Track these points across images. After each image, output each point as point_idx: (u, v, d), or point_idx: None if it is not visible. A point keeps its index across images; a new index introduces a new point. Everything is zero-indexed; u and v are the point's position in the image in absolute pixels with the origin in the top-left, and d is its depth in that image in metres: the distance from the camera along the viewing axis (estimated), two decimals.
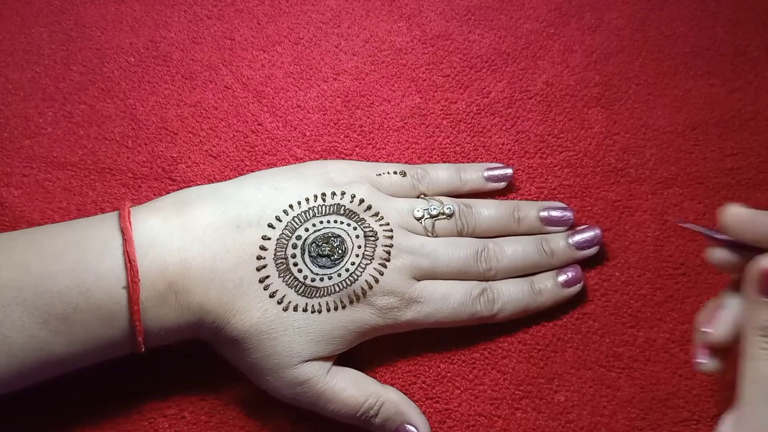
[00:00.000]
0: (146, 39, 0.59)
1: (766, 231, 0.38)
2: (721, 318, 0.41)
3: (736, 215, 0.39)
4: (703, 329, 0.41)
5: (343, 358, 0.47)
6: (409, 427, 0.47)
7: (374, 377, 0.49)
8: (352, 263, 0.47)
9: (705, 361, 0.41)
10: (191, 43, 0.59)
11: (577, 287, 0.51)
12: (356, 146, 0.56)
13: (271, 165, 0.55)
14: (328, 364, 0.46)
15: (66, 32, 0.59)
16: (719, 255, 0.41)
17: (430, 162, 0.56)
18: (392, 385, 0.49)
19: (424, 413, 0.48)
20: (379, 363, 0.50)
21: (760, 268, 0.37)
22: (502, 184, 0.54)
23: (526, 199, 0.55)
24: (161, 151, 0.55)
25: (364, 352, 0.49)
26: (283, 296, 0.45)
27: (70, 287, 0.41)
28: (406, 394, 0.49)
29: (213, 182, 0.51)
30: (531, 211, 0.53)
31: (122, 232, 0.43)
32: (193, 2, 0.60)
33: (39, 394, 0.47)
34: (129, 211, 0.45)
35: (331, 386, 0.45)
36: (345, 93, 0.58)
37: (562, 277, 0.51)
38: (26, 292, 0.41)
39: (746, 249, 0.39)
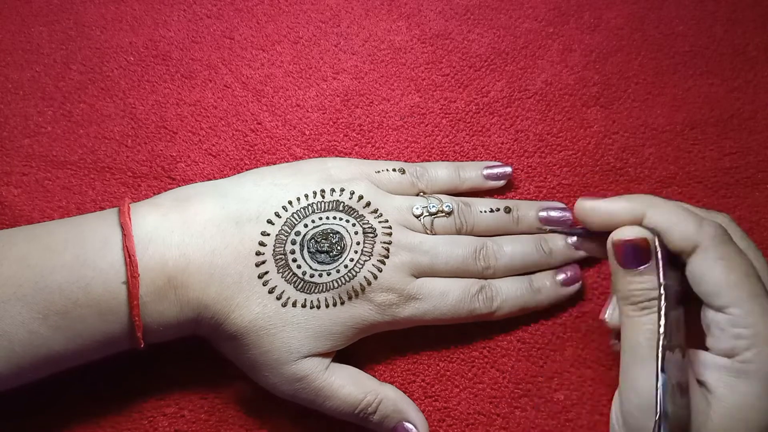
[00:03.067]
0: (146, 38, 0.59)
1: (606, 217, 0.42)
2: (611, 303, 0.45)
3: (580, 207, 0.43)
4: (600, 317, 0.46)
5: (342, 356, 0.47)
6: (407, 425, 0.47)
7: (373, 375, 0.49)
8: (351, 259, 0.47)
9: (616, 342, 0.44)
10: (191, 42, 0.59)
11: (576, 286, 0.51)
12: (355, 145, 0.56)
13: (270, 164, 0.54)
14: (326, 361, 0.46)
15: (65, 31, 0.59)
16: (584, 246, 0.47)
17: (429, 161, 0.56)
18: (391, 383, 0.49)
19: (423, 412, 0.48)
20: (378, 361, 0.50)
21: (612, 241, 0.41)
22: (501, 183, 0.54)
23: (525, 199, 0.55)
24: (161, 150, 0.55)
25: (364, 350, 0.49)
26: (282, 292, 0.45)
27: (70, 282, 0.41)
28: (405, 392, 0.49)
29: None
30: (530, 210, 0.53)
31: (122, 227, 0.43)
32: (193, 1, 0.60)
33: (39, 392, 0.48)
34: (129, 207, 0.45)
35: (330, 383, 0.45)
36: (344, 92, 0.58)
37: (560, 276, 0.51)
38: (26, 287, 0.41)
39: (601, 235, 0.43)
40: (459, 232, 0.50)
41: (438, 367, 0.51)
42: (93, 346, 0.43)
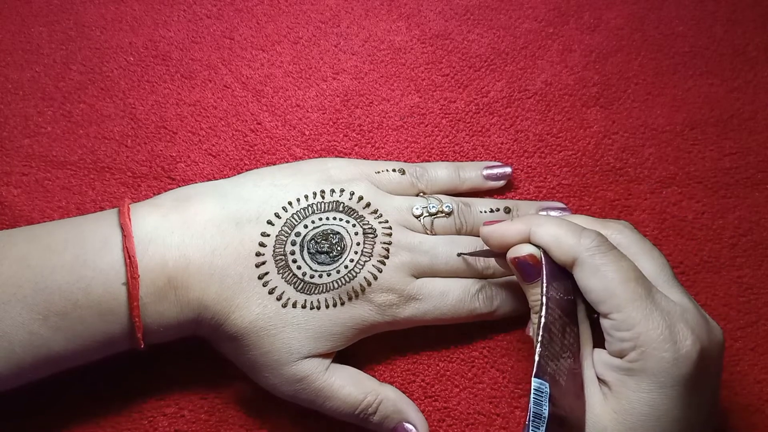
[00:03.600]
0: (145, 38, 0.59)
1: (501, 240, 0.45)
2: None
3: (481, 235, 0.47)
4: (525, 332, 0.50)
5: (343, 356, 0.47)
6: (407, 425, 0.47)
7: (373, 376, 0.49)
8: (351, 260, 0.47)
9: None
10: (190, 43, 0.59)
11: None
12: (355, 145, 0.56)
13: (270, 164, 0.55)
14: (327, 361, 0.46)
15: (65, 31, 0.59)
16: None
17: (429, 161, 0.56)
18: (391, 383, 0.49)
19: (423, 412, 0.48)
20: (378, 361, 0.50)
21: (509, 260, 0.45)
22: (501, 183, 0.54)
23: (525, 199, 0.55)
24: (160, 150, 0.55)
25: (364, 351, 0.49)
26: (282, 293, 0.45)
27: (70, 283, 0.41)
28: (405, 392, 0.49)
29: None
30: (530, 211, 0.53)
31: (122, 228, 0.43)
32: (193, 2, 0.60)
33: (39, 392, 0.48)
34: (129, 207, 0.45)
35: (330, 383, 0.45)
36: (344, 92, 0.58)
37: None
38: (26, 288, 0.41)
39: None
40: (459, 233, 0.50)
41: (438, 367, 0.51)
42: (93, 346, 0.43)
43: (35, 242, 0.43)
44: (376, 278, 0.46)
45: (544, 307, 0.42)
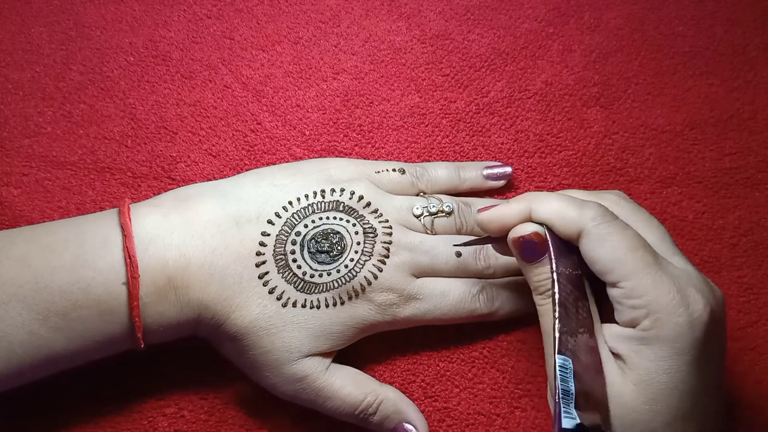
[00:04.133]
0: (146, 38, 0.59)
1: (500, 222, 0.45)
2: None
3: (478, 221, 0.46)
4: None
5: (343, 357, 0.47)
6: (407, 425, 0.47)
7: (373, 376, 0.49)
8: (351, 259, 0.47)
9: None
10: (191, 43, 0.59)
11: None
12: (355, 145, 0.56)
13: (270, 164, 0.54)
14: (327, 361, 0.46)
15: (65, 32, 0.59)
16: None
17: (429, 161, 0.56)
18: (391, 383, 0.49)
19: (423, 412, 0.48)
20: (379, 361, 0.50)
21: (511, 241, 0.44)
22: (501, 183, 0.54)
23: None
24: (161, 151, 0.55)
25: (364, 351, 0.49)
26: (282, 292, 0.45)
27: (70, 283, 0.41)
28: (405, 392, 0.49)
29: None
30: None
31: (122, 228, 0.43)
32: (193, 2, 0.60)
33: (39, 392, 0.47)
34: (129, 207, 0.45)
35: (330, 383, 0.45)
36: (344, 92, 0.58)
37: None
38: (26, 288, 0.41)
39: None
40: (459, 232, 0.50)
41: (438, 367, 0.51)
42: (93, 346, 0.43)
43: (35, 242, 0.43)
44: (376, 277, 0.46)
45: (556, 283, 0.41)
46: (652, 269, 0.40)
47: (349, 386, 0.46)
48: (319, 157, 0.55)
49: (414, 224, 0.49)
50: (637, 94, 0.59)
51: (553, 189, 0.55)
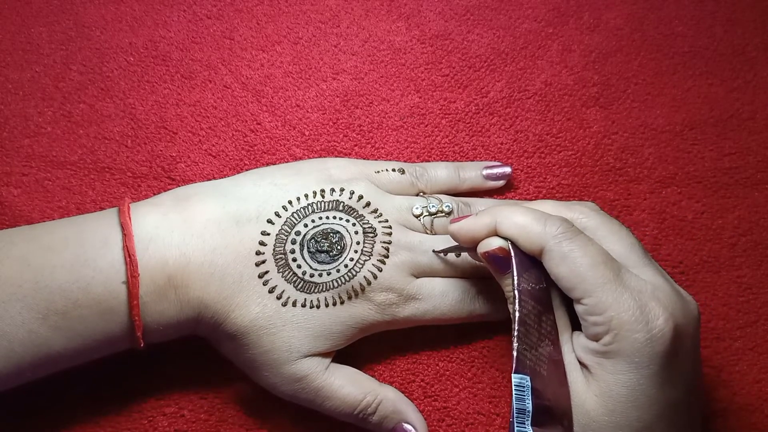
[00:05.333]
0: (145, 38, 0.59)
1: (469, 235, 0.45)
2: None
3: (450, 232, 0.46)
4: None
5: (342, 356, 0.47)
6: (406, 425, 0.47)
7: (373, 376, 0.49)
8: (351, 259, 0.47)
9: None
10: (190, 43, 0.59)
11: None
12: (355, 145, 0.56)
13: (270, 164, 0.54)
14: (326, 361, 0.46)
15: (65, 32, 0.59)
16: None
17: (429, 161, 0.56)
18: (391, 383, 0.49)
19: (422, 412, 0.48)
20: (378, 361, 0.50)
21: (480, 253, 0.45)
22: (501, 183, 0.54)
23: (525, 199, 0.55)
24: (160, 151, 0.55)
25: (363, 351, 0.49)
26: (282, 291, 0.45)
27: (70, 282, 0.41)
28: (404, 392, 0.49)
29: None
30: None
31: (122, 227, 0.43)
32: (193, 2, 0.60)
33: (39, 392, 0.48)
34: (129, 206, 0.45)
35: (330, 383, 0.45)
36: (344, 92, 0.58)
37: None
38: (26, 287, 0.41)
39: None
40: None
41: (438, 367, 0.51)
42: (93, 345, 0.43)
43: (35, 242, 0.43)
44: (375, 277, 0.46)
45: (516, 301, 0.42)
46: (612, 285, 0.40)
47: (348, 386, 0.46)
48: (319, 157, 0.55)
49: (414, 224, 0.49)
50: (636, 94, 0.59)
51: (552, 189, 0.55)
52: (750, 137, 0.57)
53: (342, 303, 0.46)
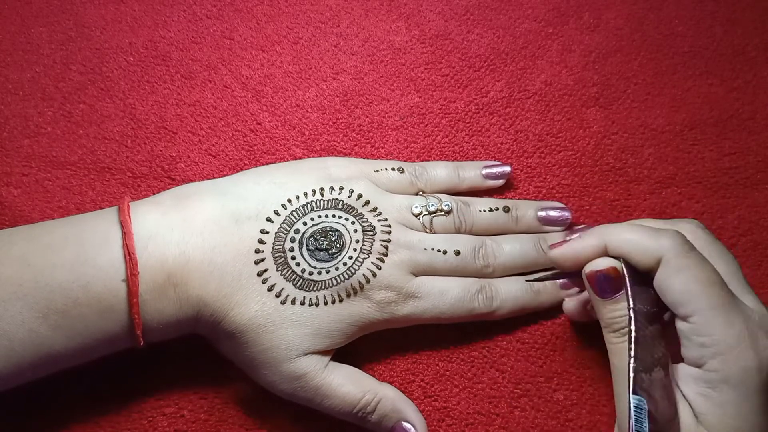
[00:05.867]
0: (145, 39, 0.59)
1: (574, 257, 0.44)
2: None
3: (551, 258, 0.46)
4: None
5: (342, 356, 0.47)
6: (405, 424, 0.47)
7: (373, 375, 0.49)
8: (350, 257, 0.47)
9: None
10: (190, 43, 0.59)
11: (576, 289, 0.51)
12: (355, 145, 0.56)
13: (270, 164, 0.55)
14: (325, 359, 0.46)
15: (65, 32, 0.59)
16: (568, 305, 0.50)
17: (428, 161, 0.56)
18: (391, 383, 0.49)
19: (422, 411, 0.48)
20: (378, 361, 0.50)
21: (586, 275, 0.44)
22: (500, 182, 0.54)
23: (525, 199, 0.55)
24: (160, 151, 0.55)
25: (363, 350, 0.49)
26: (281, 289, 0.45)
27: (70, 281, 0.41)
28: (404, 392, 0.49)
29: None
30: (529, 210, 0.53)
31: (122, 225, 0.43)
32: (193, 2, 0.60)
33: (39, 392, 0.47)
34: (128, 205, 0.45)
35: (329, 381, 0.45)
36: (344, 92, 0.58)
37: (561, 279, 0.51)
38: (26, 286, 0.41)
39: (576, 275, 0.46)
40: (458, 231, 0.51)
41: (437, 367, 0.51)
42: (93, 344, 0.43)
43: (35, 241, 0.43)
44: (375, 275, 0.46)
45: (632, 321, 0.40)
46: (725, 308, 0.39)
47: (348, 384, 0.46)
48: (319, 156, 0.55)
49: (413, 223, 0.49)
50: (636, 94, 0.59)
51: (552, 189, 0.55)
52: (750, 137, 0.57)
53: (341, 301, 0.46)
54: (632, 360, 0.40)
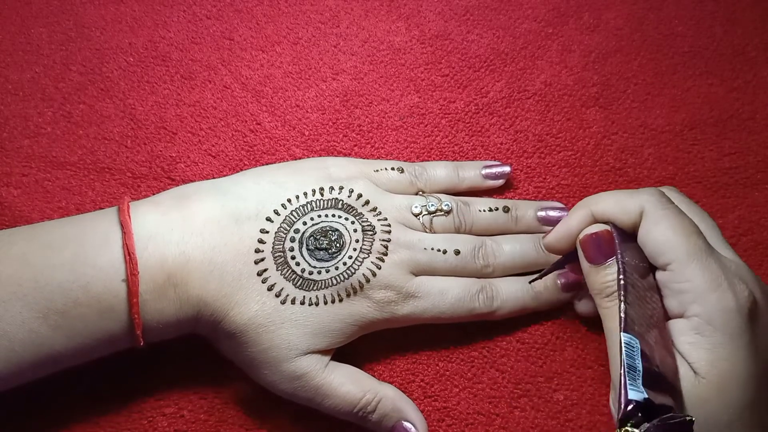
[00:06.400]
0: (145, 39, 0.59)
1: (567, 234, 0.47)
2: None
3: (546, 245, 0.49)
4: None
5: (342, 356, 0.47)
6: (406, 424, 0.47)
7: (373, 375, 0.49)
8: (350, 257, 0.47)
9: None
10: (190, 43, 0.59)
11: (576, 292, 0.51)
12: (355, 145, 0.56)
13: (269, 164, 0.55)
14: (326, 359, 0.46)
15: (65, 32, 0.59)
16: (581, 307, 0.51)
17: (428, 161, 0.56)
18: (391, 383, 0.49)
19: (422, 411, 0.48)
20: (378, 361, 0.50)
21: (579, 242, 0.46)
22: (500, 182, 0.54)
23: (524, 199, 0.55)
24: (160, 151, 0.55)
25: (363, 350, 0.49)
26: (281, 289, 0.45)
27: (70, 281, 0.41)
28: (404, 392, 0.49)
29: None
30: (529, 210, 0.53)
31: (122, 225, 0.43)
32: (192, 2, 0.60)
33: (39, 392, 0.48)
34: (128, 205, 0.45)
35: (329, 381, 0.45)
36: (344, 92, 0.58)
37: (561, 280, 0.51)
38: (26, 286, 0.41)
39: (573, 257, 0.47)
40: (458, 231, 0.51)
41: (437, 367, 0.51)
42: (93, 344, 0.43)
43: (35, 241, 0.43)
44: (374, 275, 0.46)
45: (622, 270, 0.42)
46: (702, 255, 0.41)
47: (348, 384, 0.46)
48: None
49: (413, 223, 0.49)
50: (636, 95, 0.59)
51: (552, 189, 0.55)
52: (750, 137, 0.57)
53: (341, 300, 0.46)
54: (622, 303, 0.41)
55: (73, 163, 0.54)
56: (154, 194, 0.48)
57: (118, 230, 0.43)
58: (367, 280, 0.46)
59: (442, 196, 0.51)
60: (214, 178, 0.54)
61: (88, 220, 0.45)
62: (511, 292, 0.50)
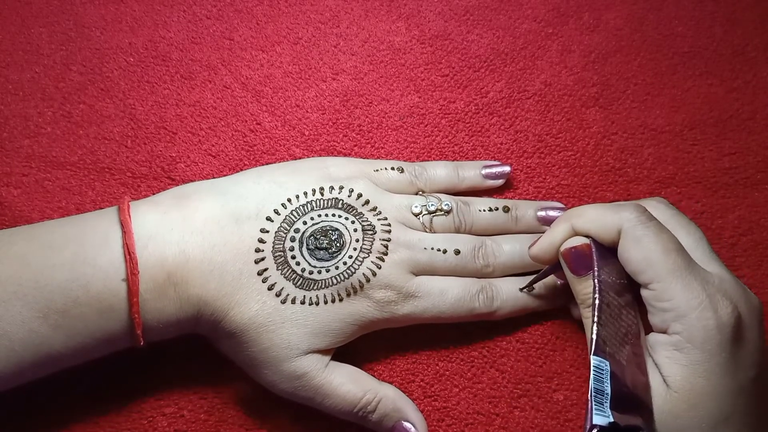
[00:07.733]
0: (145, 39, 0.59)
1: (551, 247, 0.47)
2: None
3: (532, 256, 0.49)
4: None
5: (342, 356, 0.47)
6: (406, 424, 0.47)
7: (373, 375, 0.49)
8: (350, 256, 0.47)
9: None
10: (190, 43, 0.59)
11: None
12: (355, 145, 0.56)
13: (269, 164, 0.55)
14: (326, 359, 0.46)
15: (65, 32, 0.59)
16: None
17: (428, 161, 0.56)
18: (391, 383, 0.49)
19: (422, 411, 0.48)
20: (378, 361, 0.50)
21: (561, 255, 0.46)
22: (500, 182, 0.54)
23: (524, 199, 0.55)
24: (160, 151, 0.55)
25: (363, 350, 0.50)
26: (282, 289, 0.45)
27: (70, 280, 0.41)
28: (404, 392, 0.49)
29: None
30: (529, 210, 0.53)
31: (122, 225, 0.43)
32: (192, 2, 0.60)
33: (39, 392, 0.48)
34: (128, 205, 0.45)
35: (329, 381, 0.45)
36: (344, 92, 0.58)
37: (560, 281, 0.51)
38: (26, 286, 0.41)
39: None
40: (458, 231, 0.51)
41: (437, 367, 0.51)
42: (93, 344, 0.43)
43: (35, 241, 0.43)
44: (375, 274, 0.46)
45: (597, 289, 0.42)
46: (683, 273, 0.41)
47: (348, 384, 0.46)
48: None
49: (413, 222, 0.49)
50: (636, 95, 0.59)
51: (552, 189, 0.55)
52: (750, 137, 0.57)
53: (341, 300, 0.46)
54: (594, 324, 0.41)
55: (73, 163, 0.54)
56: (154, 194, 0.48)
57: (118, 230, 0.43)
58: (368, 280, 0.46)
59: (442, 196, 0.51)
60: (214, 178, 0.54)
61: (88, 219, 0.45)
62: (511, 293, 0.50)
